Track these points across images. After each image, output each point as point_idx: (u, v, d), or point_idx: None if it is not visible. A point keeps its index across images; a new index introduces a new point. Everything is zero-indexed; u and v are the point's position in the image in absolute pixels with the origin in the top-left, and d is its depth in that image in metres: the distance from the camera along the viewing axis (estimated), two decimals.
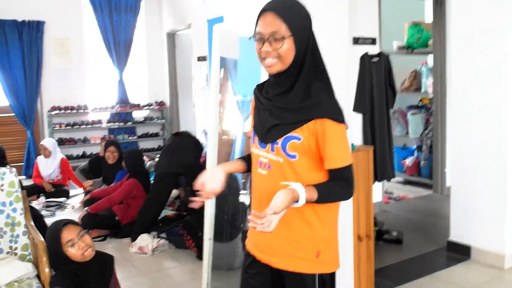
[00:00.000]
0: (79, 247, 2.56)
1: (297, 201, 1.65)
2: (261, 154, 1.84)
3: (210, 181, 1.83)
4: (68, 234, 2.57)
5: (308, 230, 1.79)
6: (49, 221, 4.25)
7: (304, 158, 1.75)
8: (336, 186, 1.75)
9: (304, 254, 1.81)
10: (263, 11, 1.72)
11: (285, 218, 1.73)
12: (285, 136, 1.74)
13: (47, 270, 2.88)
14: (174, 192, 5.88)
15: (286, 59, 1.71)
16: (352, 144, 3.48)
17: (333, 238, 1.88)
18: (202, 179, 1.84)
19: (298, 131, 1.72)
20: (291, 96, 1.74)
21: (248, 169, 1.99)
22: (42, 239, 2.99)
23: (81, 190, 6.80)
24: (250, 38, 1.78)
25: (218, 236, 3.69)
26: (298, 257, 1.81)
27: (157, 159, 5.71)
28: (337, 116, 1.71)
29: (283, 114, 1.75)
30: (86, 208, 5.21)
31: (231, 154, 3.68)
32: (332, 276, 1.89)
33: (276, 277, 1.88)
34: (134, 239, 4.73)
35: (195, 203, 1.86)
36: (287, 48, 1.70)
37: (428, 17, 7.06)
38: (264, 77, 2.65)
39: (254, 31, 1.75)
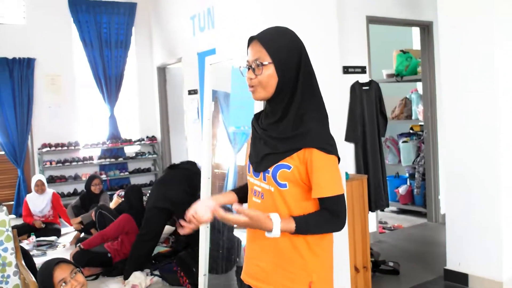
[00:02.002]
0: (72, 286, 2.50)
1: (270, 231, 1.67)
2: (255, 183, 1.85)
3: (202, 209, 1.82)
4: (60, 273, 2.51)
5: (300, 261, 1.77)
6: (40, 260, 4.17)
7: (294, 188, 1.74)
8: (319, 217, 1.73)
9: (297, 285, 1.78)
10: (250, 40, 1.78)
11: (278, 248, 1.76)
12: (275, 165, 1.74)
13: None
14: (168, 228, 5.81)
15: (267, 86, 1.73)
16: (346, 173, 3.47)
17: (327, 270, 1.85)
18: (194, 207, 1.82)
19: (288, 160, 1.72)
20: (283, 125, 1.74)
21: (240, 201, 1.99)
22: (34, 279, 2.92)
23: (72, 228, 6.68)
24: (240, 67, 1.79)
25: (213, 268, 3.63)
26: (291, 287, 1.78)
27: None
28: (325, 146, 1.70)
29: (275, 143, 1.75)
30: (78, 244, 5.13)
31: (224, 187, 3.64)
32: None
33: None
34: (126, 277, 4.62)
35: (184, 229, 1.84)
36: (267, 75, 1.72)
37: (416, 44, 7.14)
38: (257, 107, 2.66)
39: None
